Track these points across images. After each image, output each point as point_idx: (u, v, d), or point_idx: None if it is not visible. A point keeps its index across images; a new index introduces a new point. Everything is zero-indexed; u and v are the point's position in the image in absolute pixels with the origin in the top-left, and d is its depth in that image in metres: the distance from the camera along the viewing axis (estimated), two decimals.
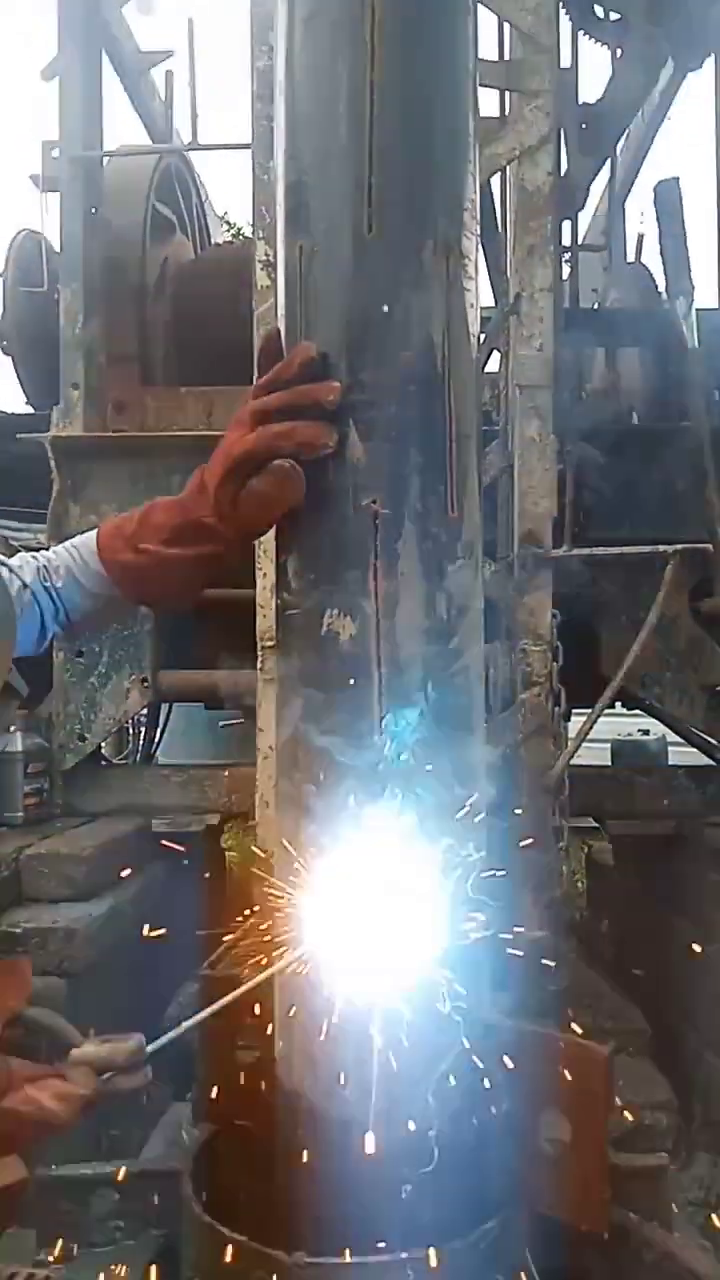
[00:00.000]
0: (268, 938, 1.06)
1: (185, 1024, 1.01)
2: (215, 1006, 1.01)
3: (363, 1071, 1.06)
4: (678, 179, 3.06)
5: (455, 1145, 1.09)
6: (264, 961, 1.05)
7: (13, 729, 3.05)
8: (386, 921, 1.02)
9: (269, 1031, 1.15)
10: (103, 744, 3.51)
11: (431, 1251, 1.03)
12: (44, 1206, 1.34)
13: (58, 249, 3.68)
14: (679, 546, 2.72)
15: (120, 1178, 1.32)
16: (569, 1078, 1.05)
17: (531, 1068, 1.08)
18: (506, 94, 2.77)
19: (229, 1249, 1.07)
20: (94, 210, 3.52)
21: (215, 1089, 1.26)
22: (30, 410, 4.49)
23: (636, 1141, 1.86)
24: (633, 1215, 1.24)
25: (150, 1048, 0.99)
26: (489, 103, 2.91)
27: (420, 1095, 1.07)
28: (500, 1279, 1.06)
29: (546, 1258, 1.12)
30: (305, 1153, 1.08)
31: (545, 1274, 1.09)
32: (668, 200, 2.98)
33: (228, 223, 6.30)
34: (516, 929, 1.10)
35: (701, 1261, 1.23)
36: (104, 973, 2.59)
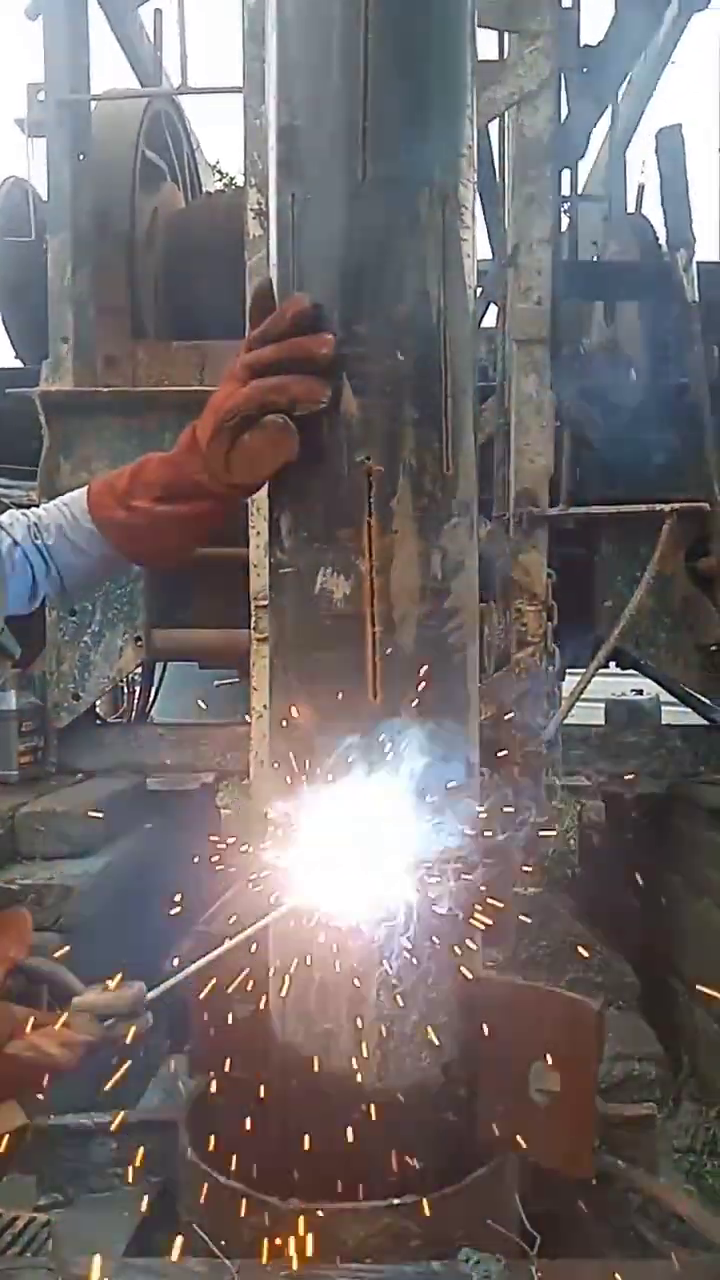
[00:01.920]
0: (261, 891, 1.06)
1: (184, 971, 1.02)
2: (214, 953, 1.02)
3: (355, 1024, 1.07)
4: (680, 126, 2.99)
5: (447, 1095, 1.11)
6: (257, 915, 1.06)
7: (6, 687, 3.05)
8: (374, 875, 1.02)
9: (262, 985, 1.16)
10: (97, 703, 3.50)
11: (423, 1198, 1.06)
12: (44, 1154, 1.36)
13: (45, 197, 3.58)
14: (676, 505, 2.70)
15: (117, 1127, 1.35)
16: (560, 1032, 1.07)
17: (523, 1021, 1.09)
18: (505, 35, 2.69)
19: (225, 1195, 1.10)
20: (81, 156, 3.42)
21: (211, 1042, 1.28)
22: (19, 364, 4.41)
23: (625, 1091, 1.90)
24: (620, 1162, 1.27)
25: (150, 995, 1.01)
26: (487, 44, 2.83)
27: (412, 1046, 1.08)
28: (491, 1224, 1.08)
29: (537, 1203, 1.15)
30: (298, 1103, 1.10)
31: (535, 1219, 1.12)
32: (670, 148, 2.91)
33: (219, 172, 6.15)
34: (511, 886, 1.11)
35: (685, 1204, 1.27)
36: (100, 928, 2.62)
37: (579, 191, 3.73)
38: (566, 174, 3.40)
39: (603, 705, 4.10)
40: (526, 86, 2.53)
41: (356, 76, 1.05)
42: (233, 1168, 1.12)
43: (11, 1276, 1.04)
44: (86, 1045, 0.97)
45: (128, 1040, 1.00)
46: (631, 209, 4.36)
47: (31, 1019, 0.98)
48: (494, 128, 3.04)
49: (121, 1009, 0.99)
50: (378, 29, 1.05)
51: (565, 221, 3.49)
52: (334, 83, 1.07)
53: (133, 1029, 0.99)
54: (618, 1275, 1.04)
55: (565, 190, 3.34)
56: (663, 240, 3.59)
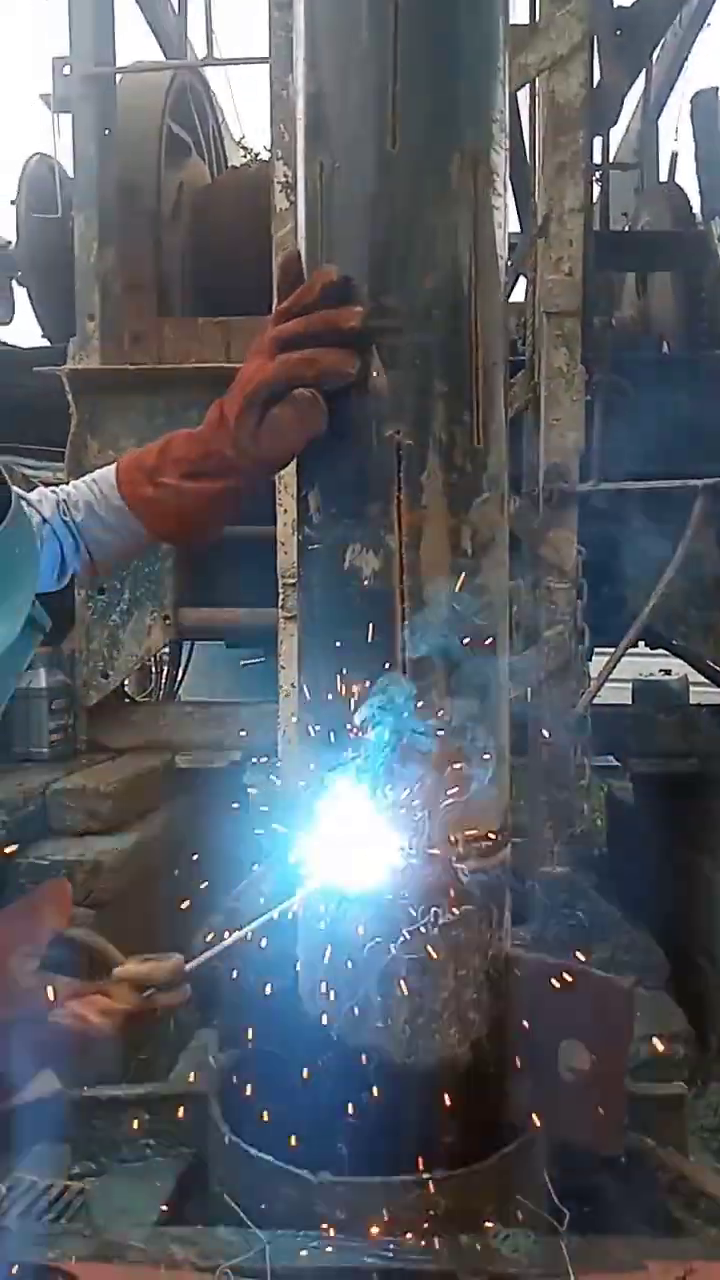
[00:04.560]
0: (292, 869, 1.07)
1: (222, 943, 1.03)
2: (250, 927, 1.03)
3: (385, 1000, 1.08)
4: (716, 91, 2.92)
5: (477, 1071, 1.11)
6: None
7: (36, 666, 3.08)
8: (399, 853, 1.02)
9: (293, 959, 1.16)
10: (126, 681, 3.53)
11: (453, 1173, 1.06)
12: (77, 1124, 1.39)
13: (71, 173, 3.57)
14: (709, 481, 2.65)
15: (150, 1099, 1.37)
16: (591, 1010, 1.06)
17: (553, 1000, 1.09)
18: None
19: (256, 1167, 1.11)
20: (107, 131, 3.40)
21: (241, 1016, 1.29)
22: (47, 343, 4.42)
23: (654, 1071, 1.90)
24: (649, 1140, 1.26)
25: (189, 966, 1.02)
26: (519, 7, 2.76)
27: (442, 1023, 1.09)
28: (520, 1199, 1.09)
29: (566, 1180, 1.15)
30: (328, 1077, 1.11)
31: (565, 1195, 1.12)
32: (705, 113, 2.84)
33: (244, 147, 6.09)
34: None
35: (715, 1183, 1.27)
36: (130, 903, 2.65)
37: (611, 159, 3.66)
38: (598, 141, 3.33)
39: (630, 685, 4.07)
40: (558, 51, 2.47)
41: (386, 41, 1.03)
42: (263, 1142, 1.13)
43: (48, 1242, 1.06)
44: (126, 1014, 0.99)
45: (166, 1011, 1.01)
46: (665, 177, 4.27)
47: (73, 988, 1.00)
48: (523, 95, 2.97)
49: (160, 980, 1.00)
50: None
51: (596, 190, 3.43)
52: (363, 48, 1.05)
53: (172, 1000, 1.01)
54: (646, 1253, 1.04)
55: (596, 158, 3.28)
56: (697, 209, 3.51)
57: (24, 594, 1.08)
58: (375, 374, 1.04)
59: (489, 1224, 1.05)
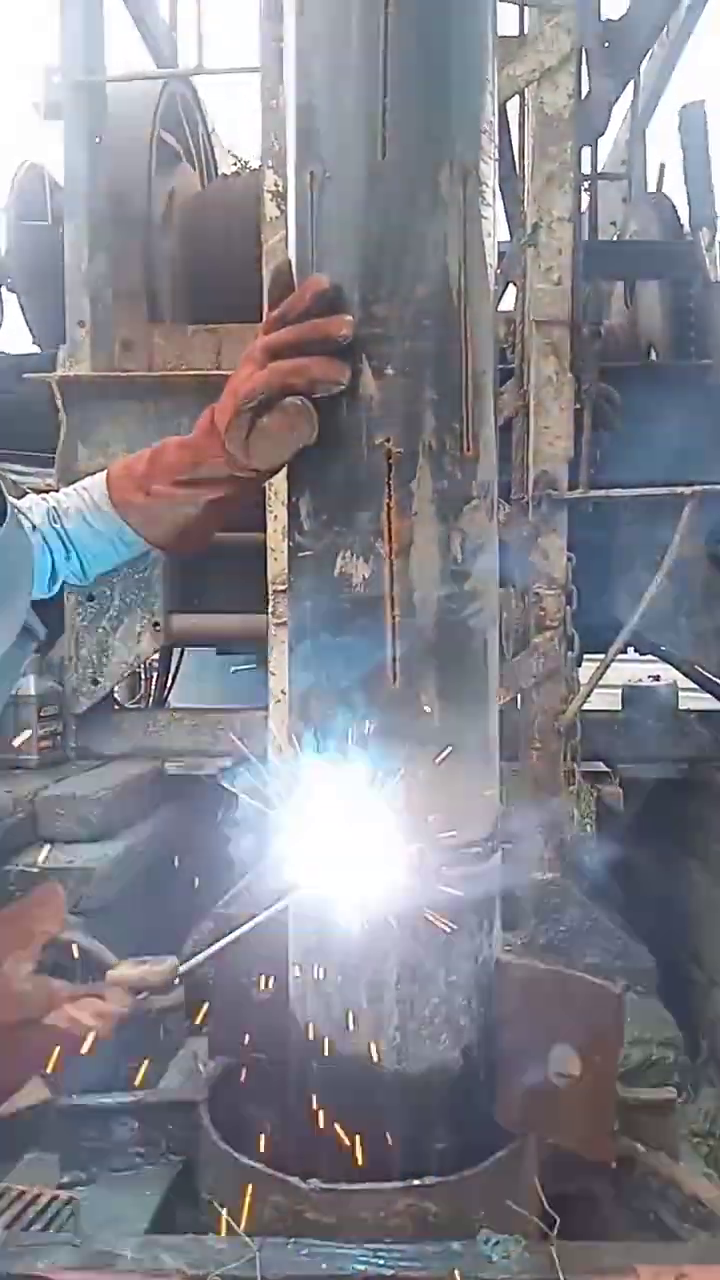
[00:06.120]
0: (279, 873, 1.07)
1: (215, 945, 1.04)
2: (240, 930, 1.03)
3: (375, 1006, 1.08)
4: (704, 103, 2.94)
5: (468, 1077, 1.11)
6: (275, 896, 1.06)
7: (26, 672, 3.07)
8: (389, 859, 1.03)
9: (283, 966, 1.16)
10: (116, 688, 3.52)
11: (443, 1179, 1.06)
12: (66, 1133, 1.38)
13: (61, 181, 3.57)
14: (697, 488, 2.67)
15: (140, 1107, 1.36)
16: (581, 1015, 1.07)
17: (543, 1005, 1.09)
18: (526, 10, 2.65)
19: (246, 1175, 1.10)
20: (98, 139, 3.41)
21: (231, 1023, 1.29)
22: (36, 350, 4.41)
23: (645, 1076, 1.90)
24: (640, 1146, 1.27)
25: (183, 969, 1.02)
26: (507, 19, 2.78)
27: (432, 1029, 1.09)
28: (510, 1205, 1.09)
29: (557, 1185, 1.15)
30: (319, 1084, 1.11)
31: (555, 1200, 1.12)
32: (693, 125, 2.86)
33: (234, 155, 6.10)
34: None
35: (705, 1188, 1.27)
36: (120, 911, 2.64)
37: (599, 169, 3.68)
38: (586, 151, 3.35)
39: (619, 691, 4.08)
40: (547, 62, 2.49)
41: (376, 52, 1.04)
42: (254, 1149, 1.13)
43: (37, 1252, 1.05)
44: (119, 1017, 0.99)
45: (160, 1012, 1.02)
46: (653, 187, 4.30)
47: (67, 992, 1.00)
48: (512, 105, 2.99)
49: (154, 982, 1.01)
50: (398, 4, 1.03)
51: (585, 200, 3.45)
52: (353, 58, 1.06)
53: (166, 1002, 1.01)
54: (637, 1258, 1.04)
55: (585, 169, 3.30)
56: (684, 219, 3.54)
57: (19, 602, 1.08)
58: (365, 382, 1.05)
59: (480, 1230, 1.05)
